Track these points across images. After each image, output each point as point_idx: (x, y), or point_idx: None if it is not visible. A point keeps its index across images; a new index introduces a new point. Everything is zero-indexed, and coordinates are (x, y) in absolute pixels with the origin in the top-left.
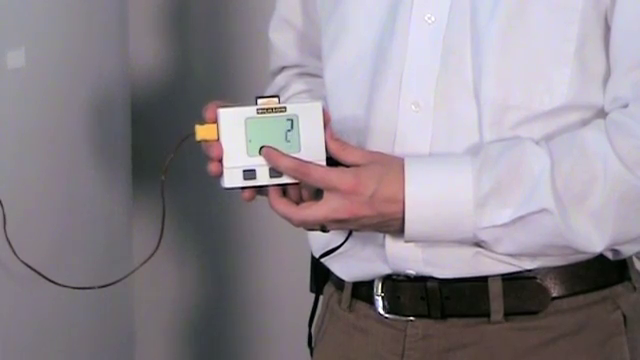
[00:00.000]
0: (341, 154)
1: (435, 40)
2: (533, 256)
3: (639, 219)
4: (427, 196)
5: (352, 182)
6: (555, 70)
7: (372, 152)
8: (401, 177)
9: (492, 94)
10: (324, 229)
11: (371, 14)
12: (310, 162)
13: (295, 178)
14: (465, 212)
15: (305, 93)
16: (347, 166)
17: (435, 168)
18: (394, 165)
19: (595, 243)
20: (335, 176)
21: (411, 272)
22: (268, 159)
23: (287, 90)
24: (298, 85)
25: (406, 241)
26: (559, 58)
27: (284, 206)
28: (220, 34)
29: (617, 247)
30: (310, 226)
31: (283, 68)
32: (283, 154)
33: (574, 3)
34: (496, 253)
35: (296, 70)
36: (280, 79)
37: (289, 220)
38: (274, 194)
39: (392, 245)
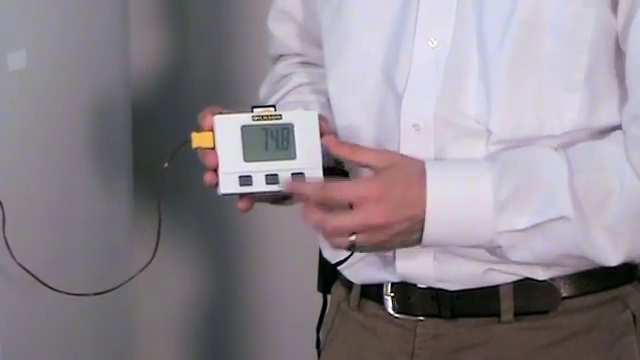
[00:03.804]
0: (354, 156)
1: (437, 64)
2: (547, 266)
3: None
4: (447, 200)
5: (381, 187)
6: (565, 97)
7: (387, 153)
8: (422, 181)
9: (502, 123)
10: (352, 246)
11: (375, 31)
12: (332, 181)
13: (323, 199)
14: (485, 216)
15: (306, 86)
16: (346, 174)
17: (455, 171)
18: (413, 168)
19: (610, 257)
20: (362, 186)
21: (422, 286)
22: (292, 190)
23: (288, 81)
24: (299, 77)
25: (423, 246)
26: (569, 86)
27: (317, 215)
28: (221, 36)
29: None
30: (343, 234)
31: (281, 56)
32: (305, 182)
33: (584, 33)
34: (510, 262)
35: (297, 59)
36: (281, 68)
37: (321, 228)
38: (310, 205)
39: (403, 264)
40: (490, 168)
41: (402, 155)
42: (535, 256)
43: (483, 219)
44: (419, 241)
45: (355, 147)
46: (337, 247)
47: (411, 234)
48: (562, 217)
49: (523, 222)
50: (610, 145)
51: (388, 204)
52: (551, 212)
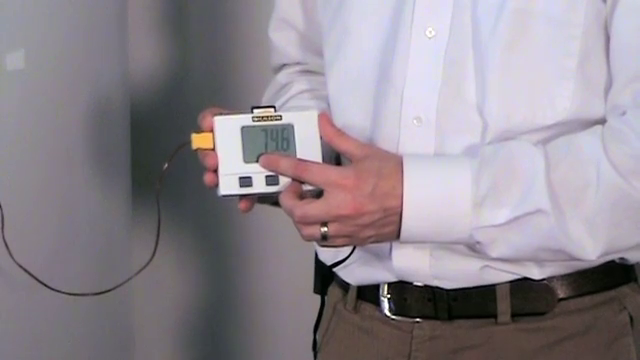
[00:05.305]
0: (335, 140)
1: (436, 55)
2: (527, 260)
3: (632, 228)
4: (425, 193)
5: (353, 176)
6: (557, 85)
7: (367, 145)
8: (399, 173)
9: (496, 110)
10: (324, 235)
11: (373, 24)
12: (307, 161)
13: (295, 176)
14: (463, 211)
15: (307, 92)
16: (339, 162)
17: (433, 166)
18: (391, 161)
19: (588, 250)
20: (335, 171)
21: (418, 283)
22: (267, 165)
23: (289, 89)
24: (300, 85)
25: (402, 242)
26: (562, 73)
27: (289, 199)
28: (220, 38)
29: (618, 255)
30: (311, 222)
31: (284, 65)
32: (281, 156)
33: (576, 19)
34: (490, 258)
35: (298, 67)
36: (282, 77)
37: (291, 214)
38: (288, 190)
39: (399, 260)
40: (469, 163)
41: (381, 149)
42: (514, 251)
43: (461, 215)
44: (396, 236)
45: (340, 132)
46: (309, 238)
47: (385, 227)
48: (539, 210)
49: (501, 217)
50: (588, 136)
51: (357, 194)
52: (528, 206)
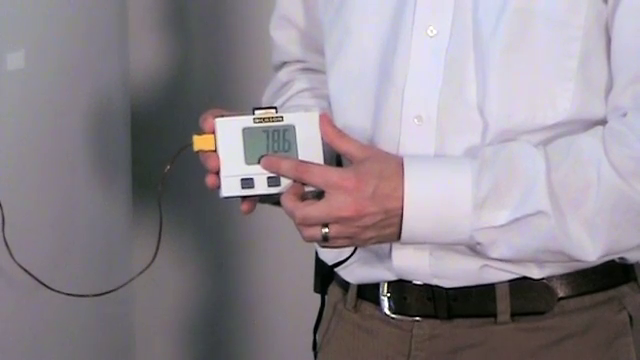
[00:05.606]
0: (335, 141)
1: (437, 54)
2: (527, 261)
3: (632, 229)
4: (426, 195)
5: (354, 178)
6: (558, 85)
7: (368, 146)
8: (400, 174)
9: (496, 110)
10: (325, 236)
11: (374, 24)
12: (308, 163)
13: (296, 178)
14: (463, 212)
15: (307, 91)
16: (339, 163)
17: (434, 168)
18: (392, 162)
19: (588, 251)
20: (336, 173)
21: (418, 282)
22: (268, 167)
23: (290, 88)
24: (301, 83)
25: (402, 243)
26: (562, 74)
27: (290, 201)
28: (221, 38)
29: (618, 255)
30: (312, 223)
31: (285, 63)
32: (282, 158)
33: (577, 20)
34: (491, 258)
35: (299, 65)
36: (283, 75)
37: (292, 216)
38: (290, 191)
39: (399, 259)
40: (469, 165)
41: (382, 150)
42: (514, 252)
43: (462, 216)
44: (397, 237)
45: (341, 133)
46: (310, 239)
47: (386, 228)
48: (539, 212)
49: (501, 218)
50: (588, 137)
51: (358, 196)
52: (528, 207)
